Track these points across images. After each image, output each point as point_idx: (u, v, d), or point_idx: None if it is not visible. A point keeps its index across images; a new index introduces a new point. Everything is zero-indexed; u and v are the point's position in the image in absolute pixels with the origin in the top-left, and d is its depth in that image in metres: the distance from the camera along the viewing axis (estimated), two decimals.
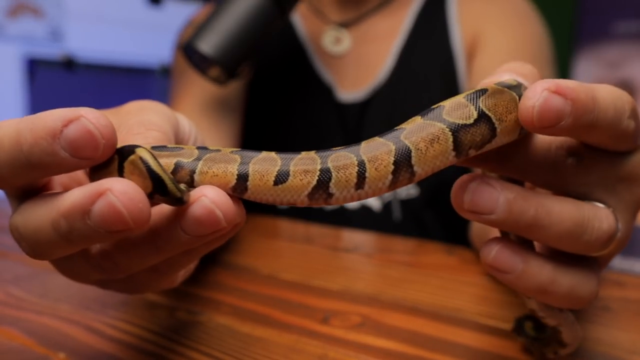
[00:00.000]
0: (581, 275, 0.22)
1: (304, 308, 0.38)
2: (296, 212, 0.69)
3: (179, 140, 0.29)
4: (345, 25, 0.71)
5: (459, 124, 0.20)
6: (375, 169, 0.21)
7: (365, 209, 0.68)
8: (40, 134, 0.19)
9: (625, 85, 1.81)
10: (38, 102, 2.02)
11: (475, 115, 0.20)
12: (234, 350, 0.31)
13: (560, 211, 0.21)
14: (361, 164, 0.21)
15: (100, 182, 0.19)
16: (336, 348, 0.32)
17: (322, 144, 0.70)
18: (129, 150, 0.20)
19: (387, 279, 0.45)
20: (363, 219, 0.67)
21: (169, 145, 0.23)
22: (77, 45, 2.06)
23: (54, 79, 2.09)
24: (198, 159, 0.22)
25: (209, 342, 0.32)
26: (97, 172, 0.21)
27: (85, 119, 0.19)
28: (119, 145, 0.21)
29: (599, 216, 0.22)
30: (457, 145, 0.20)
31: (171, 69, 0.76)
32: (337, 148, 0.22)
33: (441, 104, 0.21)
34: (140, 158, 0.20)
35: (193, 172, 0.22)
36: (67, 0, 2.02)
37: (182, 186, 0.21)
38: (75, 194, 0.19)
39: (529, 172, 0.22)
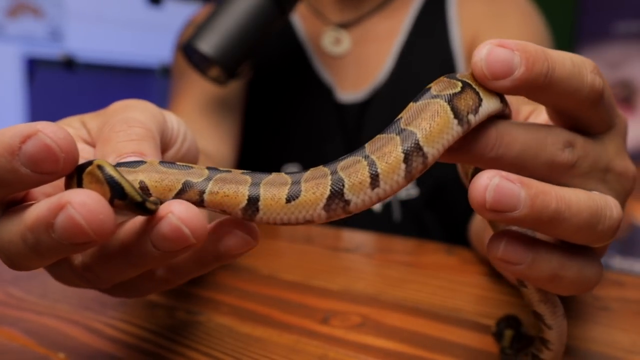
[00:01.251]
0: (586, 259, 0.23)
1: (304, 308, 0.38)
2: None
3: (166, 137, 0.28)
4: (345, 26, 0.71)
5: (450, 93, 0.21)
6: (386, 162, 0.20)
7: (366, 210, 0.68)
8: None
9: (625, 86, 1.81)
10: (38, 102, 2.02)
11: (460, 84, 0.21)
12: (234, 350, 0.31)
13: (577, 202, 0.21)
14: (371, 163, 0.20)
15: (62, 194, 0.19)
16: (336, 348, 0.32)
17: (322, 144, 0.70)
18: (88, 163, 0.20)
19: (387, 279, 0.45)
20: (363, 220, 0.67)
21: (178, 163, 0.22)
22: (77, 45, 2.06)
23: (54, 79, 2.09)
24: (208, 179, 0.22)
25: (208, 342, 0.32)
26: (67, 182, 0.21)
27: (43, 134, 0.19)
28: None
29: (609, 204, 0.22)
30: (456, 112, 0.20)
31: (172, 69, 0.76)
32: (342, 157, 0.21)
33: (426, 87, 0.22)
34: (98, 166, 0.19)
35: (203, 192, 0.21)
36: (67, 0, 2.02)
37: (153, 199, 0.20)
38: (39, 207, 0.19)
39: (526, 168, 0.22)
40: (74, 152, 0.19)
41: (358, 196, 0.21)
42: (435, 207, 0.67)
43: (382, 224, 0.67)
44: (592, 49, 1.88)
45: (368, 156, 0.21)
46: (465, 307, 0.39)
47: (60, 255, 0.20)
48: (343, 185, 0.21)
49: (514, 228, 0.22)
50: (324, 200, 0.21)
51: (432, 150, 0.20)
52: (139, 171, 0.21)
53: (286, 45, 0.73)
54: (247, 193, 0.21)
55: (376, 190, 0.20)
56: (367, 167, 0.20)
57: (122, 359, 0.30)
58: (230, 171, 0.22)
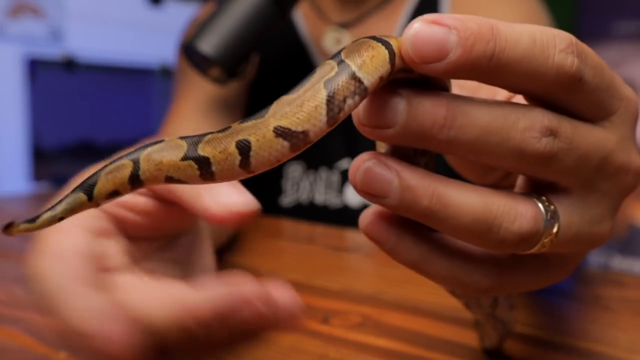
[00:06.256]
0: (469, 263, 0.20)
1: (304, 308, 0.38)
2: (299, 212, 0.69)
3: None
4: (346, 25, 0.72)
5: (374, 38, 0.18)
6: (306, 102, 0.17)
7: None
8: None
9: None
10: (38, 102, 2.02)
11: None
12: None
13: (459, 204, 0.18)
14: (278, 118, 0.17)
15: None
16: (336, 348, 0.32)
17: (323, 142, 0.69)
18: None
19: (388, 279, 0.45)
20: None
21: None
22: (78, 46, 2.06)
23: (55, 80, 2.09)
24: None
25: None
26: None
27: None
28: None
29: (511, 214, 0.18)
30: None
31: (175, 69, 0.76)
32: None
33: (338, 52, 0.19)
34: None
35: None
36: (68, 1, 2.02)
37: None
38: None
39: (488, 157, 0.18)
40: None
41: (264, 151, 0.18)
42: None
43: None
44: (592, 49, 1.88)
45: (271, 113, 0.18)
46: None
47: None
48: (250, 147, 0.18)
49: None
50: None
51: (366, 77, 0.17)
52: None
53: (288, 45, 0.73)
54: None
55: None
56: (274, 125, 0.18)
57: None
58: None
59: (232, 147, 0.18)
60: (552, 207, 0.19)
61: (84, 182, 0.20)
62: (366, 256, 0.52)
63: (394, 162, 0.18)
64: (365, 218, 0.20)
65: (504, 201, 0.18)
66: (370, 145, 0.21)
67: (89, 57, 2.12)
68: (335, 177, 0.69)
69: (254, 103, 0.73)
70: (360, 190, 0.18)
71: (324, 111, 0.17)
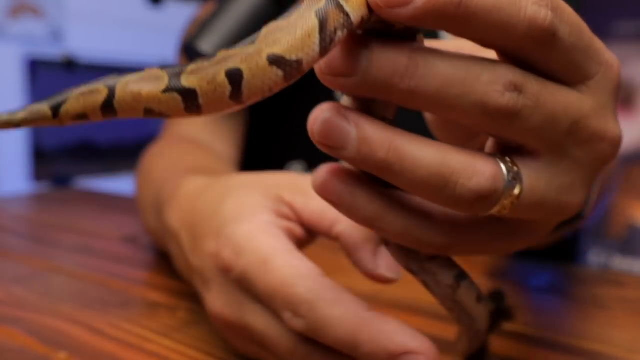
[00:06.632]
0: (425, 221, 0.20)
1: None
2: None
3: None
4: None
5: None
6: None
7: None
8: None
9: (625, 85, 1.81)
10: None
11: None
12: (235, 349, 0.32)
13: (416, 157, 0.18)
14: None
15: None
16: None
17: None
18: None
19: None
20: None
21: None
22: (78, 46, 2.06)
23: (55, 80, 2.09)
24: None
25: (210, 341, 0.33)
26: None
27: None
28: None
29: (469, 171, 0.18)
30: None
31: None
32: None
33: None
34: None
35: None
36: (68, 1, 2.02)
37: None
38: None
39: (449, 110, 0.18)
40: None
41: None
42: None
43: None
44: None
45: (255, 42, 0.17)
46: None
47: None
48: (242, 78, 0.17)
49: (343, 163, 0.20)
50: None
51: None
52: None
53: None
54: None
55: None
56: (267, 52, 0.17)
57: (124, 358, 0.30)
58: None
59: (222, 77, 0.17)
60: (515, 168, 0.19)
61: (52, 97, 0.19)
62: None
63: (353, 114, 0.18)
64: (318, 177, 0.20)
65: (462, 158, 0.18)
66: None
67: (89, 57, 2.12)
68: None
69: (256, 103, 0.73)
70: (318, 142, 0.18)
71: (317, 40, 0.17)
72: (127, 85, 0.18)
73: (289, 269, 0.25)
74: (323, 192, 0.20)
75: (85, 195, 0.82)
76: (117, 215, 0.68)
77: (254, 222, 0.28)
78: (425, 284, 0.23)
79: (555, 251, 0.69)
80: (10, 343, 0.32)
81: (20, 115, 0.18)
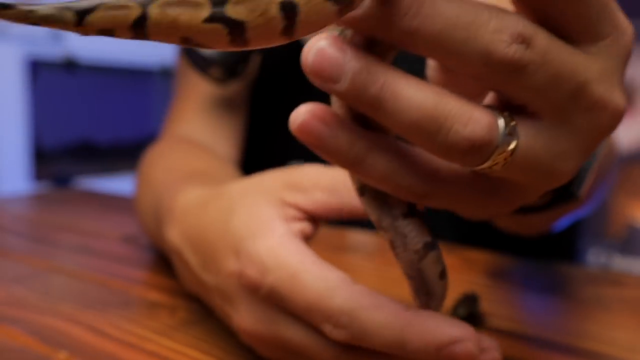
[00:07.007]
0: (407, 166, 0.19)
1: None
2: None
3: None
4: None
5: None
6: None
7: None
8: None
9: (625, 86, 1.81)
10: (39, 103, 2.03)
11: None
12: (236, 349, 0.32)
13: (411, 97, 0.17)
14: None
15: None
16: None
17: None
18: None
19: (388, 279, 0.45)
20: (365, 219, 0.67)
21: None
22: (78, 46, 2.06)
23: (55, 80, 2.10)
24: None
25: (210, 341, 0.33)
26: None
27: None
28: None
29: (465, 117, 0.17)
30: None
31: (175, 70, 0.76)
32: None
33: None
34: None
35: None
36: (68, 1, 2.02)
37: None
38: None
39: (451, 55, 0.17)
40: None
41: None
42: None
43: None
44: None
45: None
46: None
47: None
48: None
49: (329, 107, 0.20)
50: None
51: None
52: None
53: (290, 44, 0.73)
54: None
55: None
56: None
57: (124, 358, 0.30)
58: None
59: (275, 11, 0.15)
60: (512, 122, 0.18)
61: (79, 3, 0.16)
62: (366, 256, 0.53)
63: (349, 46, 0.17)
64: (297, 117, 0.19)
65: (459, 104, 0.17)
66: None
67: (90, 57, 2.12)
68: None
69: (256, 102, 0.73)
70: (310, 72, 0.17)
71: None
72: (165, 9, 0.16)
73: (321, 282, 0.24)
74: (302, 133, 0.19)
75: (85, 195, 0.82)
76: (117, 215, 0.68)
77: (272, 236, 0.27)
78: (393, 245, 0.22)
79: (555, 251, 0.69)
80: (11, 343, 0.32)
81: (42, 12, 0.16)
